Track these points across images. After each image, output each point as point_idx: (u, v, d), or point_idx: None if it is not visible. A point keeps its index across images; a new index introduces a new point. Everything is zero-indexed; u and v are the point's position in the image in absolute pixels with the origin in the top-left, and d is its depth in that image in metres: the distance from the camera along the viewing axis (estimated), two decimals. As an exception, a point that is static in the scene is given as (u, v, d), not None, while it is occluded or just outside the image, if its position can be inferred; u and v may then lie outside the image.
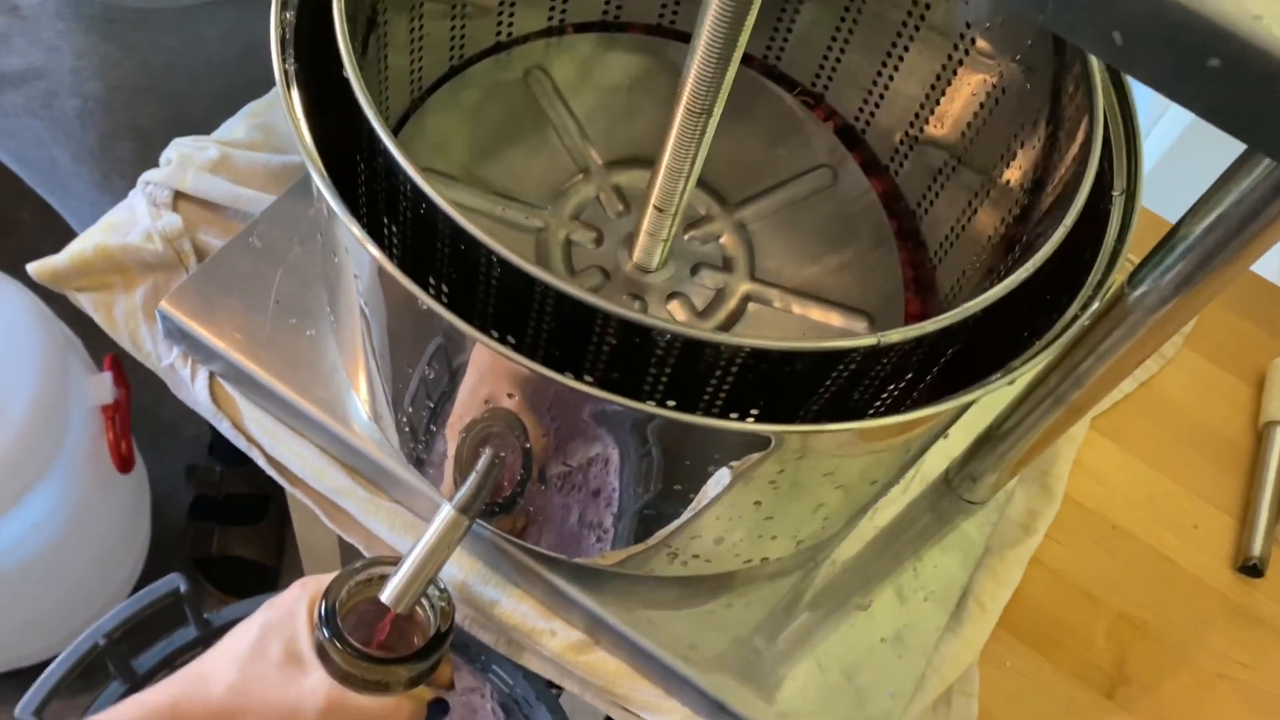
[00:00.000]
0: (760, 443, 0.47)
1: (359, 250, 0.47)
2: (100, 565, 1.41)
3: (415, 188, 0.45)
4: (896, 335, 0.46)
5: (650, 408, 0.44)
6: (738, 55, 0.52)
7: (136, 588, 1.42)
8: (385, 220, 0.53)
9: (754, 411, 0.51)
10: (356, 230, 0.46)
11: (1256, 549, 0.76)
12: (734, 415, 0.52)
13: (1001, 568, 0.71)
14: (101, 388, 1.26)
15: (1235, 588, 0.76)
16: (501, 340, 0.51)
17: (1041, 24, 0.38)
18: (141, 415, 1.37)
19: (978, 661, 0.69)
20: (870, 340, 0.45)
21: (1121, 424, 0.81)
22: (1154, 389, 0.83)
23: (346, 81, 0.48)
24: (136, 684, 0.83)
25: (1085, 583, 0.74)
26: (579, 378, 0.49)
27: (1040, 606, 0.73)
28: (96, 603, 1.42)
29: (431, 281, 0.52)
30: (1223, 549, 0.77)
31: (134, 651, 0.83)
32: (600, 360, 0.50)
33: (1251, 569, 0.76)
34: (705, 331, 0.45)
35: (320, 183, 0.46)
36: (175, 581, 0.81)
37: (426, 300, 0.45)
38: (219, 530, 1.55)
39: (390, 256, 0.48)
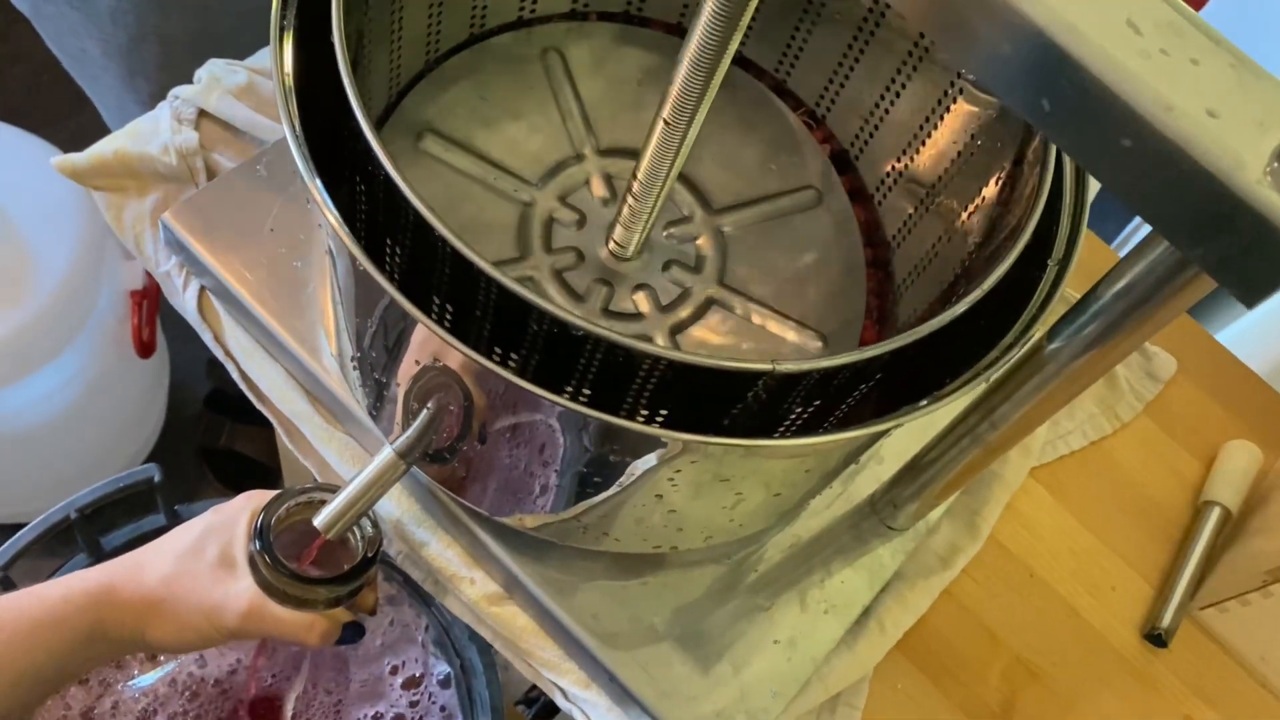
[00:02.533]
0: (651, 441, 0.51)
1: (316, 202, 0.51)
2: (110, 441, 1.48)
3: (367, 144, 0.49)
4: (790, 366, 0.49)
5: (540, 391, 0.47)
6: (722, 69, 0.55)
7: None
8: (358, 179, 0.57)
9: (663, 413, 0.55)
10: (319, 194, 0.50)
11: (1166, 620, 0.78)
12: (647, 413, 0.55)
13: (911, 595, 0.75)
14: (133, 273, 1.32)
15: (1137, 653, 0.78)
16: (441, 312, 0.55)
17: (978, 79, 0.41)
18: (174, 301, 1.43)
19: (869, 678, 0.73)
20: (766, 367, 0.49)
21: (1063, 478, 0.83)
22: (1103, 449, 0.85)
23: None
24: (101, 559, 0.88)
25: (992, 622, 0.77)
26: (506, 359, 0.53)
27: (942, 637, 0.76)
28: (103, 475, 1.47)
29: (388, 244, 0.56)
30: (1134, 614, 0.80)
31: (104, 529, 0.89)
32: (537, 344, 0.54)
33: (1156, 638, 0.78)
34: (611, 332, 0.48)
35: (290, 135, 0.50)
36: (151, 471, 0.87)
37: (366, 264, 0.48)
38: (230, 425, 1.61)
39: (357, 217, 0.51)
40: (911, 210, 0.73)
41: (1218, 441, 0.87)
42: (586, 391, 0.54)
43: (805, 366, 0.49)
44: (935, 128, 0.70)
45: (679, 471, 0.54)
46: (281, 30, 0.53)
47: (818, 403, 0.57)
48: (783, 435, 0.58)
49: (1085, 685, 0.77)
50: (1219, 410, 0.89)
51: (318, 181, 0.50)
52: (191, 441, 1.62)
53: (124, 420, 1.50)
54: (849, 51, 0.74)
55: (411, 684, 0.88)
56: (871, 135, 0.75)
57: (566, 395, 0.51)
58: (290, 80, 0.52)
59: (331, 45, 0.52)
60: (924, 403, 0.51)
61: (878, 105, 0.74)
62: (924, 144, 0.71)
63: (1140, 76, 0.38)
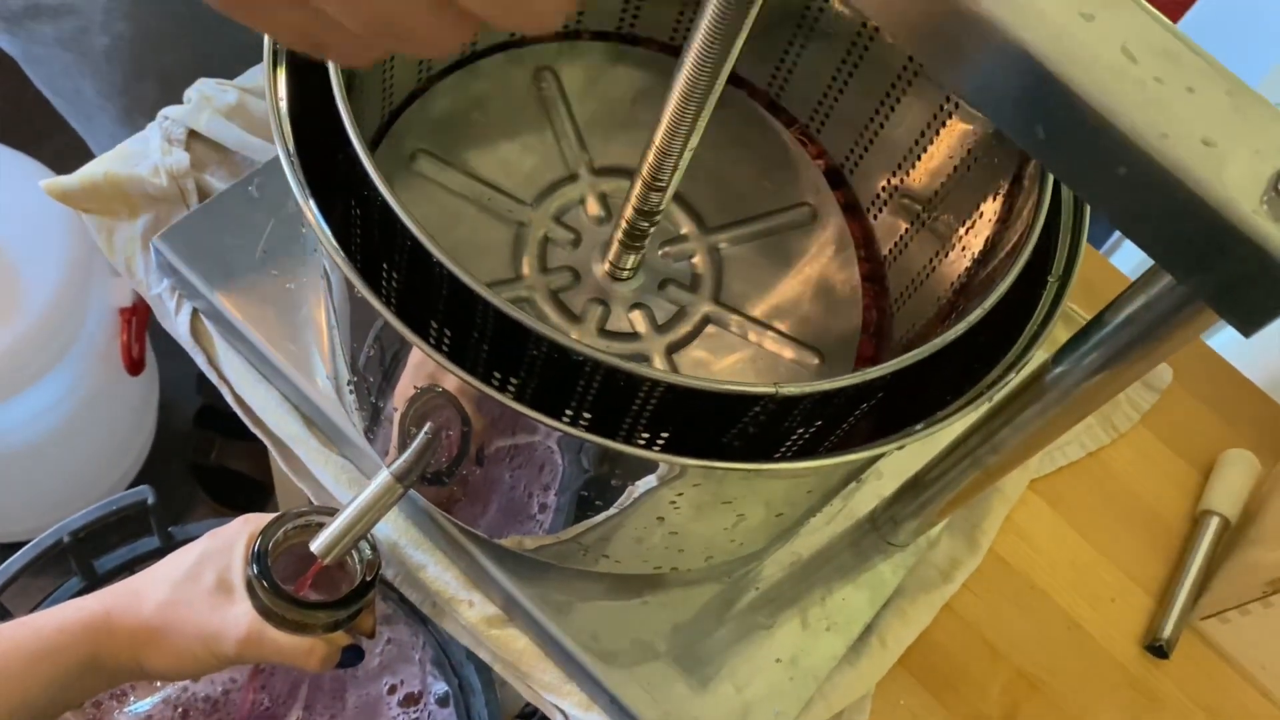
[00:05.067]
0: (651, 465, 0.50)
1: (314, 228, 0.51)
2: (100, 459, 1.47)
3: (364, 170, 0.49)
4: (793, 389, 0.48)
5: (539, 417, 0.47)
6: (718, 88, 0.55)
7: (135, 483, 1.48)
8: (352, 202, 0.57)
9: (663, 435, 0.54)
10: (316, 220, 0.49)
11: (1167, 631, 0.78)
12: (647, 436, 0.55)
13: (912, 610, 0.74)
14: (122, 291, 1.31)
15: (1139, 665, 0.78)
16: (439, 336, 0.55)
17: (971, 105, 0.40)
18: (163, 318, 1.42)
19: (872, 694, 0.72)
20: (768, 390, 0.48)
21: (1061, 489, 0.83)
22: (1101, 460, 0.85)
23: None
24: (95, 582, 0.88)
25: (992, 636, 0.77)
26: (505, 383, 0.53)
27: (944, 652, 0.75)
28: (94, 492, 1.48)
29: (384, 268, 0.55)
30: (1135, 626, 0.80)
31: (98, 552, 0.88)
32: (536, 368, 0.53)
33: (1158, 649, 0.78)
34: (611, 356, 0.47)
35: (285, 162, 0.50)
36: (144, 493, 0.86)
37: (364, 290, 0.48)
38: (220, 441, 1.60)
39: (352, 240, 0.51)
40: (907, 226, 0.72)
41: (1215, 450, 0.87)
42: (586, 415, 0.54)
43: (808, 389, 0.49)
44: (930, 143, 0.70)
45: (680, 494, 0.54)
46: (275, 55, 0.52)
47: (819, 423, 0.56)
48: (784, 455, 0.58)
49: (1087, 697, 0.76)
50: (1216, 419, 0.89)
51: (313, 204, 0.50)
52: (182, 458, 1.61)
53: (114, 438, 1.49)
54: (842, 67, 0.74)
55: (410, 702, 0.88)
56: (865, 151, 0.75)
57: (566, 419, 0.51)
58: (284, 106, 0.52)
59: (324, 66, 0.52)
60: (924, 425, 0.51)
61: (871, 121, 0.74)
62: (919, 160, 0.71)
63: (1135, 104, 0.38)
